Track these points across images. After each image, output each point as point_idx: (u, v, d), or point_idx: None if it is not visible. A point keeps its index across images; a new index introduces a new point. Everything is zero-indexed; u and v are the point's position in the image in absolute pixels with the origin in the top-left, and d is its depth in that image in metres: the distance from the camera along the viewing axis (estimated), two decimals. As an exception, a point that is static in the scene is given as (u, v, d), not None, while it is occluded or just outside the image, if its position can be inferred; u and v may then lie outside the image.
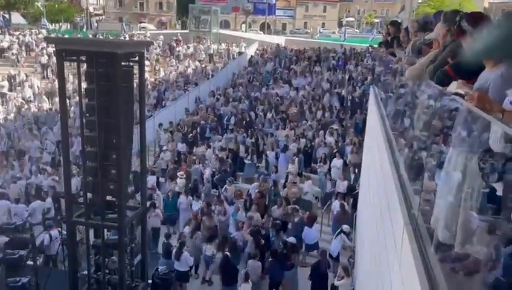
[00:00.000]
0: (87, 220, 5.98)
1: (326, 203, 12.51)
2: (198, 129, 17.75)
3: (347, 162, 13.93)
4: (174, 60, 29.15)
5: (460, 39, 2.99)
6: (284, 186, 12.91)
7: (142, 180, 7.00)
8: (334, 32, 52.25)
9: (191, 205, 11.87)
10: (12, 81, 24.74)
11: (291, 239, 9.76)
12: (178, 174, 13.34)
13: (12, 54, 28.67)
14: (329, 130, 15.98)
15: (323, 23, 66.11)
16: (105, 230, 6.33)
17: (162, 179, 14.10)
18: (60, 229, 9.53)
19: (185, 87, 23.62)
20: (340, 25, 68.53)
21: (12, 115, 20.60)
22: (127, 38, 32.07)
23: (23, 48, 29.84)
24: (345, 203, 11.44)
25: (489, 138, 1.99)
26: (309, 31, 52.84)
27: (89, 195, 6.11)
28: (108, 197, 6.12)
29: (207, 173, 13.43)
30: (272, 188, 12.64)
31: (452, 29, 3.21)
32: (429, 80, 3.27)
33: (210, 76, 25.42)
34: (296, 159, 14.14)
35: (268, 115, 18.64)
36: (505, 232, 2.09)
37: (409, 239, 2.83)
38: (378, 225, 5.29)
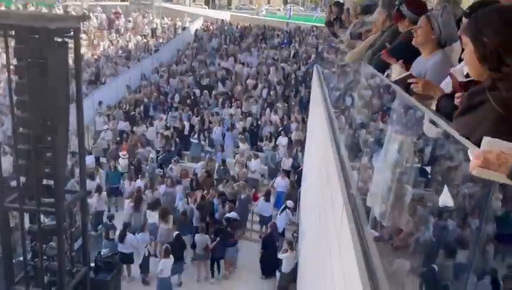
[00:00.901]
0: (22, 206, 5.66)
1: (272, 180, 12.77)
2: (141, 107, 17.21)
3: (292, 139, 14.21)
4: (114, 34, 27.74)
5: (399, 24, 3.08)
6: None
7: (81, 162, 6.70)
8: (279, 9, 52.14)
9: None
10: None
11: (233, 214, 9.89)
12: (120, 154, 12.91)
13: None
14: (274, 108, 16.14)
15: (268, 0, 65.67)
16: (42, 215, 6.04)
17: (103, 159, 13.61)
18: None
19: (127, 63, 22.66)
20: (285, 1, 68.45)
21: None
22: (61, 10, 30.01)
23: None
24: (293, 180, 11.76)
25: (424, 124, 2.10)
26: (254, 7, 52.35)
27: (23, 179, 5.77)
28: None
29: (151, 154, 13.14)
30: (221, 167, 12.64)
31: (392, 13, 3.29)
32: (368, 64, 3.37)
33: (153, 51, 24.54)
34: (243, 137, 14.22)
35: (214, 93, 18.46)
36: (435, 203, 2.23)
37: (348, 218, 2.95)
38: (320, 202, 5.48)
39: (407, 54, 2.69)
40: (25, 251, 6.05)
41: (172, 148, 13.89)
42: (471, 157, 1.26)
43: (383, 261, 2.40)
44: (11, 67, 5.50)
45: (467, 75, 1.73)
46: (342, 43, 6.38)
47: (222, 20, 31.96)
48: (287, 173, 12.40)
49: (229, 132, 14.57)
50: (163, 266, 8.47)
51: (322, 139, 6.19)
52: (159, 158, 13.36)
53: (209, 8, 47.91)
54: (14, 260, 6.32)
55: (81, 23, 7.20)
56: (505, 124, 1.37)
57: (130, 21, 29.85)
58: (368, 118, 4.01)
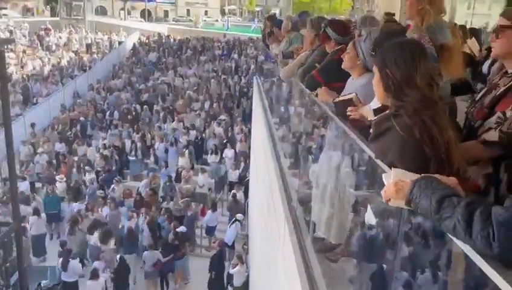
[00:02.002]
0: None
1: (220, 194, 12.75)
2: (78, 127, 16.49)
3: (237, 151, 14.27)
4: (43, 52, 26.44)
5: (326, 45, 3.26)
6: (177, 181, 12.76)
7: (13, 190, 6.31)
8: (217, 21, 52.45)
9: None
10: None
11: (182, 228, 9.78)
12: (57, 177, 12.26)
13: None
14: (217, 121, 16.16)
15: (206, 11, 65.79)
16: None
17: (38, 185, 12.86)
18: None
19: (61, 81, 21.64)
20: (223, 12, 68.97)
21: None
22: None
23: None
24: (236, 192, 11.76)
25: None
26: (192, 18, 52.20)
27: None
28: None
29: (88, 178, 12.58)
30: (167, 183, 12.38)
31: (319, 34, 3.46)
32: (300, 82, 3.50)
33: (87, 68, 23.68)
34: (186, 151, 14.05)
35: (155, 107, 18.12)
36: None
37: (289, 231, 3.04)
38: (265, 214, 5.56)
39: (335, 73, 2.84)
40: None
41: (113, 168, 13.41)
42: (384, 182, 1.38)
43: (324, 270, 2.50)
44: None
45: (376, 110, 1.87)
46: (277, 56, 6.56)
47: (159, 33, 31.59)
48: (234, 185, 12.43)
49: (172, 147, 14.34)
50: (90, 289, 8.12)
51: (264, 150, 6.31)
52: (99, 179, 12.84)
53: (145, 21, 47.17)
54: None
55: (5, 47, 6.83)
56: (410, 147, 1.53)
57: (61, 37, 28.66)
58: (308, 125, 4.14)
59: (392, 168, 1.38)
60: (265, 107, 7.73)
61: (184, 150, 14.05)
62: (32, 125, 15.71)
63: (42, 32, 28.65)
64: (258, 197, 7.58)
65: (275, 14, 12.72)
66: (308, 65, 3.42)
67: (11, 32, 28.06)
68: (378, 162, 1.60)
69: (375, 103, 2.25)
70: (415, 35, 2.46)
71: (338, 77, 2.85)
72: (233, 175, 13.00)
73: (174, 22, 51.01)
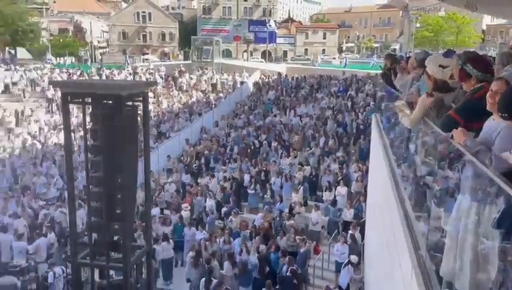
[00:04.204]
0: (92, 261, 5.93)
1: (333, 233, 12.40)
2: (202, 159, 17.82)
3: (351, 189, 13.84)
4: (176, 91, 29.54)
5: (464, 83, 2.97)
6: (291, 215, 12.84)
7: (147, 218, 6.97)
8: (334, 58, 52.85)
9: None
10: (19, 116, 25.09)
11: (297, 268, 9.69)
12: (182, 206, 13.31)
13: (18, 89, 29.11)
14: (332, 157, 15.97)
15: (323, 50, 67.06)
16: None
17: (167, 211, 14.07)
18: (63, 267, 9.49)
19: (190, 118, 23.88)
20: (340, 50, 69.50)
21: (17, 150, 20.75)
22: (131, 70, 32.70)
23: (28, 83, 30.26)
24: (353, 233, 11.32)
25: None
26: (310, 57, 53.48)
27: (94, 235, 6.09)
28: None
29: (208, 204, 13.41)
30: (277, 218, 12.53)
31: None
32: (435, 118, 3.27)
33: (213, 106, 25.68)
34: (302, 187, 14.09)
35: (273, 144, 18.69)
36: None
37: (418, 284, 2.78)
38: (385, 260, 5.21)
39: (477, 113, 2.60)
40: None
41: (234, 199, 14.05)
42: None
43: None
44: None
45: None
46: (400, 93, 6.31)
47: (279, 72, 32.92)
48: (349, 224, 12.00)
49: (287, 183, 14.53)
50: None
51: (384, 190, 5.99)
52: (223, 210, 13.56)
53: (266, 62, 49.80)
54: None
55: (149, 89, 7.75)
56: None
57: (192, 78, 31.69)
58: (433, 165, 3.82)
59: None
60: (385, 145, 7.41)
61: (300, 186, 14.11)
62: (168, 157, 17.76)
63: (176, 74, 32.09)
64: (376, 240, 7.18)
65: (392, 52, 12.36)
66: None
67: (150, 74, 32.07)
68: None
69: None
70: None
71: (480, 117, 2.59)
72: (348, 214, 12.60)
73: (292, 61, 52.93)
